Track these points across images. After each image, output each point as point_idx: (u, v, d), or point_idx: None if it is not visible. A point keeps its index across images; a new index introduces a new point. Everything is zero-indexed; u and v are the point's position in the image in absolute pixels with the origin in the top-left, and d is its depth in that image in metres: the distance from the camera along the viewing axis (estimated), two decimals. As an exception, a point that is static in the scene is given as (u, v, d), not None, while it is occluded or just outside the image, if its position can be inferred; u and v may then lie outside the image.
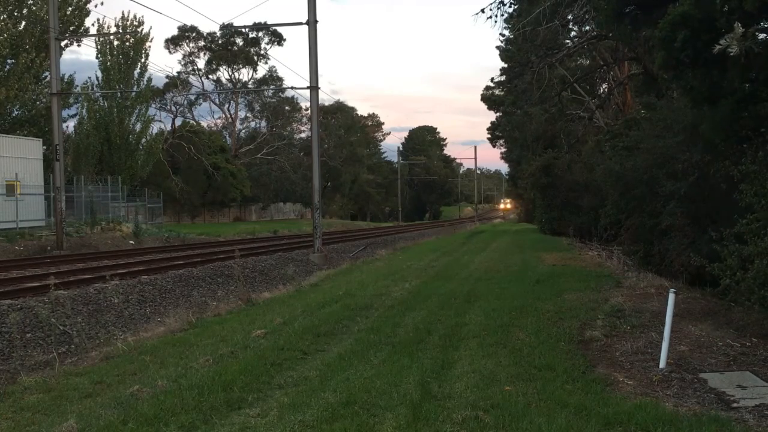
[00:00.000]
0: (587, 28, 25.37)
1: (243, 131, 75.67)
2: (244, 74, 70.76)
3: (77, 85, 42.28)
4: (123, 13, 75.22)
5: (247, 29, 64.84)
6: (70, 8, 38.92)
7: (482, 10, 23.69)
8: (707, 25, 8.24)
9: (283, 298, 13.77)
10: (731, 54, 7.48)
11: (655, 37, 9.01)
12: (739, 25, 7.45)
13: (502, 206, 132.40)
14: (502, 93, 55.67)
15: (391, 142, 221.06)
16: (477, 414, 5.35)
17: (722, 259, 8.77)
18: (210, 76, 69.63)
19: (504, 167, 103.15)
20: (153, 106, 56.16)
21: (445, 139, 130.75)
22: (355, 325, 9.46)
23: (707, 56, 8.32)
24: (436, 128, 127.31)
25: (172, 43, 66.55)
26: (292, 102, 75.60)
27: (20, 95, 36.09)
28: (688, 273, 13.27)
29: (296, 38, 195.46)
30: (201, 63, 68.64)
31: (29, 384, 7.52)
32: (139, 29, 43.55)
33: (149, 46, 44.52)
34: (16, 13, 37.10)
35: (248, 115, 75.41)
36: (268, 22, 69.74)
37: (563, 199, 33.10)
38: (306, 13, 25.14)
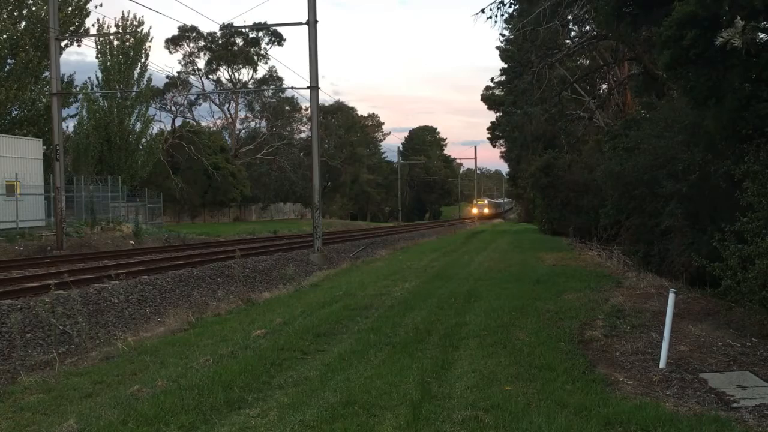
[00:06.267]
0: (587, 28, 25.39)
1: (243, 131, 75.65)
2: (244, 74, 70.84)
3: (77, 86, 42.29)
4: (123, 13, 75.52)
5: (247, 29, 64.86)
6: (70, 8, 38.92)
7: (482, 10, 23.76)
8: (711, 23, 8.29)
9: (283, 298, 13.76)
10: (735, 45, 7.56)
11: (661, 35, 9.02)
12: (739, 19, 7.54)
13: (475, 211, 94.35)
14: (502, 93, 55.69)
15: (391, 142, 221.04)
16: (477, 414, 5.35)
17: (723, 260, 8.77)
18: (210, 76, 69.68)
19: (504, 167, 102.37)
20: (153, 106, 56.16)
21: (445, 139, 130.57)
22: (355, 325, 9.45)
23: (709, 55, 8.36)
24: (436, 128, 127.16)
25: (172, 43, 66.56)
26: (292, 102, 75.64)
27: (19, 95, 36.08)
28: (689, 273, 13.26)
29: (296, 38, 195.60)
30: (201, 63, 68.73)
31: (29, 384, 7.52)
32: (139, 29, 43.60)
33: (149, 46, 44.61)
34: (15, 13, 37.10)
35: (248, 115, 75.41)
36: (268, 22, 69.76)
37: (563, 199, 33.12)
38: (306, 13, 25.18)
